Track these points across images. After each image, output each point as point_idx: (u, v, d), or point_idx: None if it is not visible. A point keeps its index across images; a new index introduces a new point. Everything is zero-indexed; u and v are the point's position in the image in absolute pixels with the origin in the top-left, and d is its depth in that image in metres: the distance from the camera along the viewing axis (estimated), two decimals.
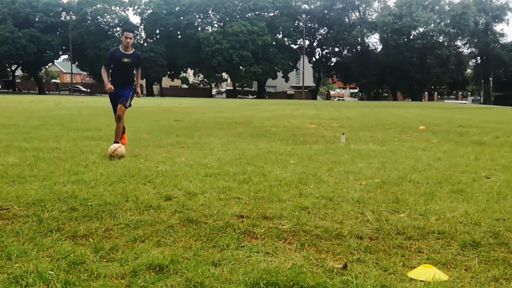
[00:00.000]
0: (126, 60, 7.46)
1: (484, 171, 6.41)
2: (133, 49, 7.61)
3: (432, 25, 78.82)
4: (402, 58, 77.09)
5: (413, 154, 7.98)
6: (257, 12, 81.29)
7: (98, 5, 76.43)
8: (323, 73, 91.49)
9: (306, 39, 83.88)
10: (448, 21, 79.94)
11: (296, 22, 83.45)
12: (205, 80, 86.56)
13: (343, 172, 6.08)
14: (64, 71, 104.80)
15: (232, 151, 7.97)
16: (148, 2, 79.49)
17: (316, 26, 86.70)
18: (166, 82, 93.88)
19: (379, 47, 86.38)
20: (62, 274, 2.60)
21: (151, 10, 79.31)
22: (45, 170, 5.80)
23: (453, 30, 79.69)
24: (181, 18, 79.15)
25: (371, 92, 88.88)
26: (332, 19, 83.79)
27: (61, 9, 78.27)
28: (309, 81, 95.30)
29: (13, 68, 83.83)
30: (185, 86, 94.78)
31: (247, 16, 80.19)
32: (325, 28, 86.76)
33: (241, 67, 78.67)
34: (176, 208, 4.13)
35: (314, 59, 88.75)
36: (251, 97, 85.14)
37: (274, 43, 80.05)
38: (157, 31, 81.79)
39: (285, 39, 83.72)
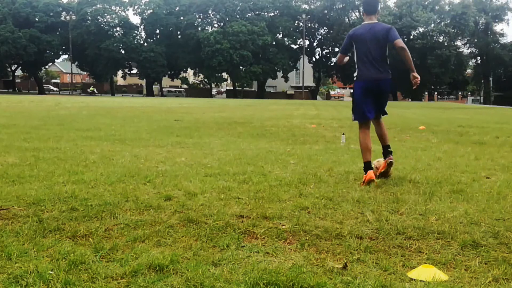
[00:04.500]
0: None
1: (484, 171, 6.40)
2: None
3: (432, 25, 78.81)
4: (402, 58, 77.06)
5: (413, 154, 7.98)
6: (257, 12, 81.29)
7: (98, 5, 76.44)
8: (323, 73, 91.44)
9: (306, 39, 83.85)
10: (448, 21, 79.92)
11: (296, 22, 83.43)
12: (205, 80, 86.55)
13: (343, 172, 6.07)
14: (64, 71, 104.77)
15: (232, 151, 7.97)
16: (148, 2, 79.50)
17: (316, 26, 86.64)
18: (166, 82, 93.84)
19: None
20: (62, 274, 2.60)
21: (151, 10, 79.31)
22: (45, 170, 5.79)
23: (453, 30, 79.69)
24: (181, 18, 79.16)
25: None
26: (332, 19, 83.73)
27: (61, 9, 78.24)
28: (309, 81, 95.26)
29: (13, 68, 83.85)
30: (185, 86, 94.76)
31: (247, 16, 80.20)
32: (325, 28, 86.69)
33: (241, 67, 78.66)
34: (176, 208, 4.13)
35: (314, 59, 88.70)
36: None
37: (274, 43, 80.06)
38: (157, 31, 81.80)
39: (285, 39, 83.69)
